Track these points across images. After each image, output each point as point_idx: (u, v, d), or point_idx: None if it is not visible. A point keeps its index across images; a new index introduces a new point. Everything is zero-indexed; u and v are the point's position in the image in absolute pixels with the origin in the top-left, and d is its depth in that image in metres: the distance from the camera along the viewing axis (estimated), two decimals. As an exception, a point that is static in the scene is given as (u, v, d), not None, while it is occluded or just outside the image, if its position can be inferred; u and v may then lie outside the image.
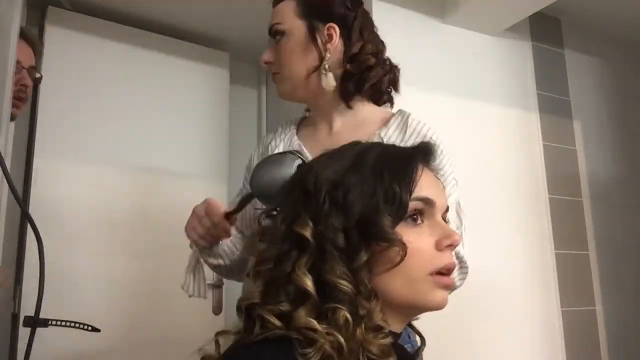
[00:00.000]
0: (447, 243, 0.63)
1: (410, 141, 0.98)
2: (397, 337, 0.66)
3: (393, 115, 1.03)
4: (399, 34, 1.69)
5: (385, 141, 0.97)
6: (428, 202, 0.63)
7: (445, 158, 0.96)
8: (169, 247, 1.58)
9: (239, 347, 0.56)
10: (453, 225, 1.01)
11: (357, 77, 0.99)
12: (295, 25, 0.99)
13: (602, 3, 1.98)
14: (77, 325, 1.57)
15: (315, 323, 0.55)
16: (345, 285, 0.57)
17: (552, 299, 1.80)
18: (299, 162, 0.76)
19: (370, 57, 1.00)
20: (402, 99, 1.66)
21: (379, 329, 0.58)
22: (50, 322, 1.24)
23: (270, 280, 0.59)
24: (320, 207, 0.61)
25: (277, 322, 0.56)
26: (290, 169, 0.74)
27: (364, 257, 0.58)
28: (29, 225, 0.93)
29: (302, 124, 1.09)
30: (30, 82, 1.46)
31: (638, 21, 2.08)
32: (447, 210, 0.68)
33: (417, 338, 0.73)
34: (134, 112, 1.97)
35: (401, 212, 0.61)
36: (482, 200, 1.71)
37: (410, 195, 0.62)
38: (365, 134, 0.95)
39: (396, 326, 0.64)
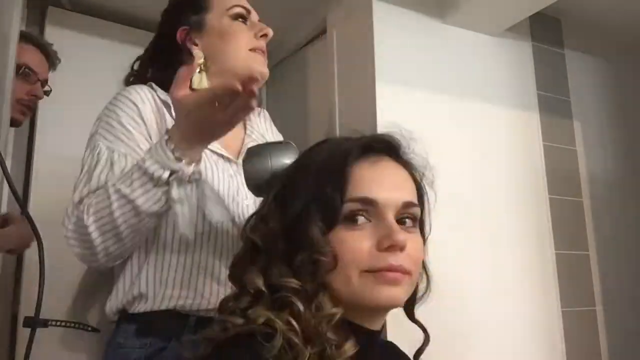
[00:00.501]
0: (386, 244, 0.59)
1: (270, 129, 1.22)
2: (378, 334, 0.65)
3: None
4: (399, 34, 1.69)
5: (261, 129, 1.15)
6: (368, 202, 0.60)
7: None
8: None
9: (214, 346, 0.58)
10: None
11: None
12: None
13: (602, 3, 1.98)
14: (77, 325, 1.57)
15: (271, 315, 0.56)
16: (291, 281, 0.58)
17: (552, 299, 1.80)
18: (296, 151, 0.75)
19: None
20: (401, 98, 1.67)
21: (331, 316, 0.58)
22: (49, 323, 1.24)
23: (240, 283, 0.62)
24: (268, 209, 0.62)
25: (239, 321, 0.58)
26: (289, 159, 0.71)
27: (300, 260, 0.59)
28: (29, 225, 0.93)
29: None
30: (41, 95, 1.49)
31: (638, 21, 2.08)
32: (410, 205, 0.63)
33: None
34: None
35: (333, 217, 0.59)
36: (481, 200, 1.71)
37: (343, 196, 0.59)
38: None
39: (371, 324, 0.64)
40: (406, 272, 0.60)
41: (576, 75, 2.10)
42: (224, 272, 0.91)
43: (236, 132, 1.09)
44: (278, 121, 1.45)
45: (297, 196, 0.60)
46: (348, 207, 0.59)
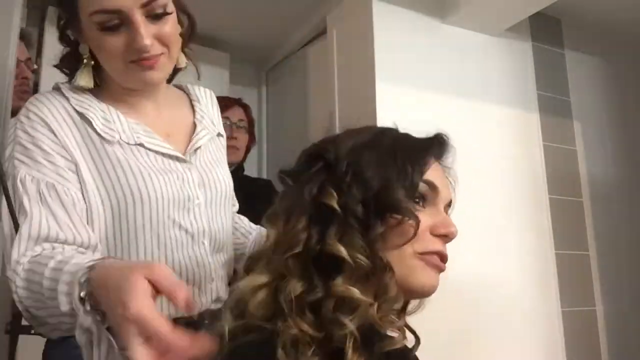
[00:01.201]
0: (442, 231, 0.64)
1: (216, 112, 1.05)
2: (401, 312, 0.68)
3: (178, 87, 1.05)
4: (399, 34, 1.69)
5: (211, 118, 1.02)
6: (433, 188, 0.65)
7: None
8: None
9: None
10: None
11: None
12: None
13: (602, 3, 1.98)
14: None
15: (355, 291, 0.56)
16: (362, 260, 0.58)
17: (552, 299, 1.80)
18: None
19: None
20: (401, 99, 1.67)
21: (393, 301, 0.60)
22: (33, 330, 1.21)
23: (303, 260, 0.59)
24: (341, 178, 0.62)
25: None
26: None
27: (379, 229, 0.60)
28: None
29: (103, 97, 0.88)
30: (29, 74, 1.48)
31: (638, 21, 2.08)
32: (450, 204, 0.69)
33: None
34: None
35: (411, 191, 0.63)
36: (481, 200, 1.71)
37: (421, 176, 0.64)
38: (181, 105, 0.99)
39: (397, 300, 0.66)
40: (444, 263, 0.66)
41: (576, 75, 2.10)
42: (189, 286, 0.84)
43: (181, 113, 0.97)
44: (278, 121, 1.45)
45: (377, 169, 0.63)
46: (420, 187, 0.64)
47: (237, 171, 1.84)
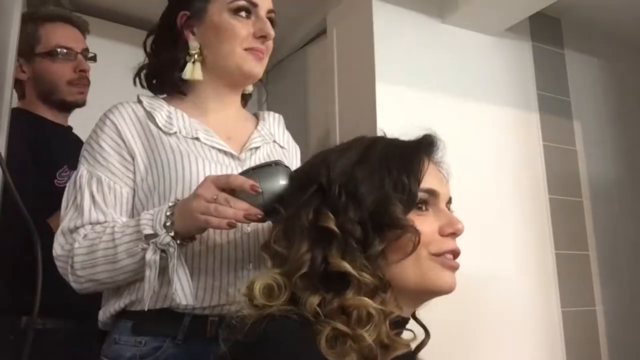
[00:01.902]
0: (449, 230, 0.66)
1: (285, 136, 1.13)
2: (406, 322, 0.68)
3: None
4: (399, 34, 1.69)
5: (271, 130, 1.08)
6: (432, 193, 0.66)
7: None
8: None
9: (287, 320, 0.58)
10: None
11: None
12: None
13: (602, 3, 1.98)
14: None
15: (369, 301, 0.58)
16: (367, 278, 0.59)
17: (552, 299, 1.80)
18: (288, 171, 0.76)
19: None
20: (401, 99, 1.67)
21: (391, 315, 0.61)
22: None
23: (307, 279, 0.60)
24: (336, 200, 0.63)
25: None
26: (282, 180, 0.74)
27: (379, 246, 0.61)
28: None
29: (174, 103, 1.01)
30: (87, 66, 1.45)
31: (638, 21, 2.08)
32: (450, 200, 0.71)
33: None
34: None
35: (411, 200, 0.64)
36: (481, 200, 1.71)
37: (419, 185, 0.65)
38: (250, 125, 1.08)
39: (407, 311, 0.67)
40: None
41: (576, 75, 2.10)
42: (224, 275, 0.90)
43: (245, 125, 1.07)
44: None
45: (371, 185, 0.64)
46: (419, 195, 0.65)
47: None
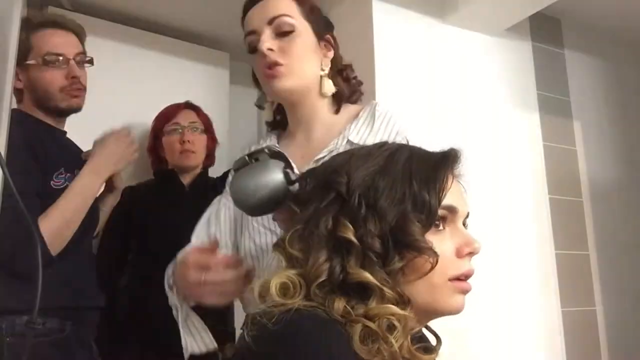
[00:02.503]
0: (467, 251, 0.64)
1: (380, 132, 0.99)
2: (424, 338, 0.69)
3: (362, 108, 1.04)
4: (399, 34, 1.69)
5: (353, 134, 0.98)
6: (451, 210, 0.65)
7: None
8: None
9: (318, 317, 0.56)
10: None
11: (351, 86, 1.06)
12: (304, 25, 0.98)
13: (602, 3, 1.98)
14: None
15: (395, 308, 0.57)
16: (388, 291, 0.58)
17: (552, 299, 1.80)
18: (282, 165, 0.73)
19: (356, 77, 1.10)
20: (401, 99, 1.67)
21: (412, 330, 0.59)
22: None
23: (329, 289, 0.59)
24: (355, 210, 0.61)
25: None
26: (274, 173, 0.71)
27: (398, 263, 0.60)
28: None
29: (280, 136, 1.09)
30: (80, 72, 1.41)
31: (638, 21, 2.08)
32: (467, 215, 0.70)
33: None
34: (134, 112, 1.97)
35: (430, 220, 0.62)
36: (481, 200, 1.71)
37: (440, 203, 0.63)
38: (337, 130, 0.99)
39: (415, 326, 0.65)
40: None
41: (576, 75, 2.10)
42: None
43: (327, 134, 1.00)
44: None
45: (391, 198, 0.62)
46: (439, 212, 0.63)
47: (200, 176, 1.81)
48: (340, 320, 0.56)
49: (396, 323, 0.56)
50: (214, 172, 1.91)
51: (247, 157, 0.76)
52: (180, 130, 1.77)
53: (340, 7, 1.85)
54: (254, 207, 0.73)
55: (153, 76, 2.06)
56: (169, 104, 1.85)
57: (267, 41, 0.94)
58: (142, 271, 1.62)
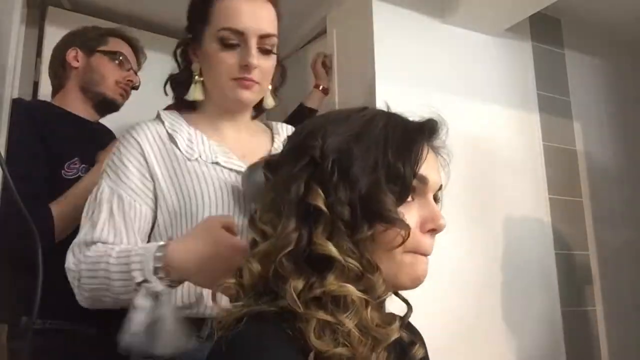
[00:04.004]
0: (430, 226, 0.62)
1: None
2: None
3: (265, 124, 1.17)
4: (399, 34, 1.69)
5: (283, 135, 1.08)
6: (422, 180, 0.62)
7: None
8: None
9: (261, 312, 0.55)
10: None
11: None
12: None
13: (602, 3, 1.98)
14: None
15: (351, 288, 0.55)
16: (352, 263, 0.56)
17: (552, 299, 1.80)
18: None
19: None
20: (401, 98, 1.66)
21: (380, 297, 0.58)
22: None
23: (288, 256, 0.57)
24: (327, 176, 0.59)
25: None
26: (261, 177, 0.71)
27: (367, 232, 0.58)
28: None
29: (192, 121, 1.05)
30: (137, 81, 1.63)
31: (638, 21, 2.08)
32: (441, 187, 0.66)
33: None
34: (133, 112, 1.96)
35: (404, 193, 0.60)
36: (481, 200, 1.71)
37: (415, 175, 0.60)
38: (259, 131, 1.12)
39: (382, 294, 0.64)
40: None
41: (576, 75, 2.10)
42: None
43: (259, 140, 1.09)
44: (278, 121, 1.45)
45: (364, 166, 0.59)
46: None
47: None
48: (293, 317, 0.54)
49: (352, 299, 0.55)
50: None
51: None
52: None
53: (340, 7, 1.85)
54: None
55: (153, 76, 2.05)
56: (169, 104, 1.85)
57: (255, 56, 0.97)
58: None
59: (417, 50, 1.72)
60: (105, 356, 0.93)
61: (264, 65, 0.99)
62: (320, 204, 0.58)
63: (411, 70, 1.69)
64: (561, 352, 1.77)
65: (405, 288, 0.65)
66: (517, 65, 1.95)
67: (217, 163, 0.98)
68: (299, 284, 0.56)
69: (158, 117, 1.04)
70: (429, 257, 0.63)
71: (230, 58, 0.97)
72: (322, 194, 0.59)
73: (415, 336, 0.69)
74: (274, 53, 1.01)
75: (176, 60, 1.08)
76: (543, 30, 2.05)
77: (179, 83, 1.06)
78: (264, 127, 1.16)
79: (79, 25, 1.92)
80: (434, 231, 0.62)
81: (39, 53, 1.85)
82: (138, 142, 0.97)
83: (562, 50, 2.09)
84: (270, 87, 1.07)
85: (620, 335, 1.93)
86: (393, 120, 0.66)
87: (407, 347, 0.65)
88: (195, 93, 1.03)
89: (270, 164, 0.67)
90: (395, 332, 0.57)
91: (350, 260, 0.56)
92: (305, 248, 0.57)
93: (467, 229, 1.65)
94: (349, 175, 0.59)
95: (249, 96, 1.00)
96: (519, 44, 1.98)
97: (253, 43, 0.97)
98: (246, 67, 0.96)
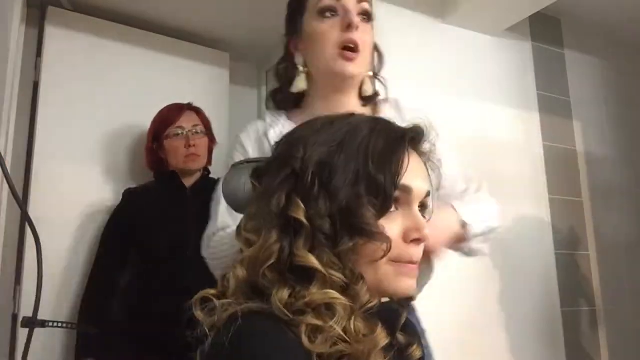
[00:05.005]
0: (414, 236, 0.61)
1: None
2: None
3: (380, 101, 1.11)
4: (399, 34, 1.69)
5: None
6: (406, 190, 0.61)
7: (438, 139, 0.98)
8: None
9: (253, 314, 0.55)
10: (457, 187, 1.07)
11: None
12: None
13: (602, 3, 1.98)
14: (75, 326, 1.57)
15: (335, 293, 0.55)
16: (335, 275, 0.56)
17: (552, 299, 1.80)
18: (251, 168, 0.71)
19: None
20: (401, 99, 1.66)
21: (366, 307, 0.58)
22: (47, 323, 1.24)
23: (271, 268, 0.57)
24: (308, 188, 0.59)
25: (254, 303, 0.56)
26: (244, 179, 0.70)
27: (348, 244, 0.57)
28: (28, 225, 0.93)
29: (294, 114, 1.08)
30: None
31: (638, 21, 2.08)
32: (428, 194, 0.65)
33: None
34: (133, 112, 1.97)
35: (385, 206, 0.59)
36: (482, 200, 1.71)
37: (396, 187, 0.59)
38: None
39: (370, 302, 0.64)
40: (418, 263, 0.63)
41: (576, 75, 2.10)
42: None
43: None
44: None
45: (345, 177, 0.59)
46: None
47: (202, 178, 1.78)
48: (283, 319, 0.54)
49: (337, 307, 0.54)
50: (213, 172, 1.91)
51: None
52: (184, 134, 1.74)
53: (340, 7, 1.85)
54: (242, 205, 0.73)
55: (153, 76, 2.06)
56: (168, 104, 1.85)
57: (356, 18, 0.96)
58: (143, 273, 1.62)
59: (417, 50, 1.72)
60: None
61: (365, 30, 0.99)
62: (301, 216, 0.58)
63: (411, 70, 1.69)
64: (561, 351, 1.77)
65: (392, 297, 0.64)
66: (517, 65, 1.95)
67: None
68: (284, 294, 0.56)
69: (264, 116, 1.10)
70: (416, 265, 0.62)
71: (331, 27, 0.97)
72: (302, 206, 0.58)
73: (413, 337, 0.68)
74: (370, 19, 1.01)
75: (277, 77, 1.10)
76: (543, 30, 2.05)
77: (287, 82, 1.06)
78: (372, 109, 1.10)
79: (79, 25, 1.93)
80: (418, 240, 0.61)
81: (39, 53, 1.84)
82: (242, 140, 1.05)
83: (562, 50, 2.10)
84: (370, 72, 1.05)
85: (620, 335, 1.93)
86: (377, 129, 0.63)
87: (404, 348, 0.65)
88: (299, 83, 1.03)
89: (257, 171, 0.66)
90: (382, 340, 0.56)
91: (332, 272, 0.56)
92: (287, 259, 0.57)
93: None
94: (329, 187, 0.58)
95: (354, 69, 0.98)
96: (519, 44, 1.98)
97: (352, 5, 0.97)
98: (349, 26, 0.96)
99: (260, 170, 0.66)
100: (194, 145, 1.74)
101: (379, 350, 0.56)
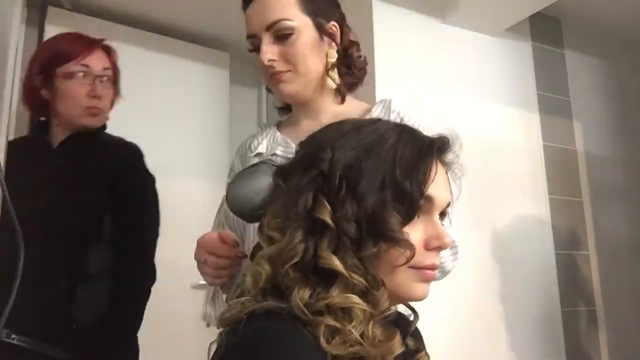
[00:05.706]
0: (435, 244, 0.62)
1: None
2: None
3: (374, 104, 1.05)
4: (399, 34, 1.69)
5: None
6: (428, 200, 0.62)
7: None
8: (169, 246, 1.57)
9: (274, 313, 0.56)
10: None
11: (354, 75, 1.04)
12: (304, 22, 0.97)
13: (602, 3, 1.98)
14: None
15: (355, 298, 0.56)
16: (357, 279, 0.57)
17: (552, 299, 1.80)
18: (274, 168, 0.71)
19: (361, 56, 1.06)
20: (401, 99, 1.67)
21: (385, 313, 0.58)
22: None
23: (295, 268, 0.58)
24: (335, 191, 0.60)
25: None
26: (267, 176, 0.69)
27: (372, 249, 0.58)
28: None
29: (282, 124, 1.08)
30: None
31: (638, 21, 2.08)
32: (449, 204, 0.66)
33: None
34: (133, 112, 1.96)
35: (410, 213, 0.60)
36: (481, 200, 1.71)
37: (422, 195, 0.60)
38: None
39: (387, 309, 0.65)
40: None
41: (576, 75, 2.10)
42: None
43: None
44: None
45: (372, 183, 0.59)
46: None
47: (97, 140, 1.36)
48: (302, 318, 0.55)
49: (357, 312, 0.55)
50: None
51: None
52: (90, 77, 1.30)
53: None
54: (251, 215, 0.71)
55: (153, 76, 2.06)
56: (169, 104, 1.83)
57: (268, 51, 0.94)
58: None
59: (417, 50, 1.72)
60: None
61: (287, 52, 0.95)
62: (327, 218, 0.58)
63: (411, 70, 1.69)
64: (561, 351, 1.77)
65: (409, 301, 0.66)
66: (517, 65, 1.95)
67: (274, 154, 0.99)
68: (305, 293, 0.56)
69: (260, 128, 1.12)
70: (430, 281, 0.63)
71: (260, 61, 0.96)
72: (329, 208, 0.59)
73: (419, 342, 0.69)
74: (290, 35, 0.94)
75: (267, 90, 1.10)
76: (543, 30, 2.05)
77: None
78: (364, 107, 1.05)
79: (78, 26, 1.93)
80: (438, 249, 0.63)
81: (39, 53, 1.85)
82: (237, 150, 1.10)
83: (562, 50, 2.10)
84: (332, 60, 0.99)
85: (620, 335, 1.93)
86: (404, 136, 0.64)
87: (413, 353, 0.66)
88: (277, 101, 1.08)
89: (282, 170, 0.67)
90: (398, 347, 0.58)
91: (355, 276, 0.57)
92: (311, 260, 0.58)
93: (467, 229, 1.65)
94: (356, 191, 0.59)
95: (287, 88, 0.97)
96: (519, 44, 1.98)
97: (265, 39, 0.95)
98: (265, 66, 0.95)
99: (286, 168, 0.66)
100: (99, 97, 1.31)
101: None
